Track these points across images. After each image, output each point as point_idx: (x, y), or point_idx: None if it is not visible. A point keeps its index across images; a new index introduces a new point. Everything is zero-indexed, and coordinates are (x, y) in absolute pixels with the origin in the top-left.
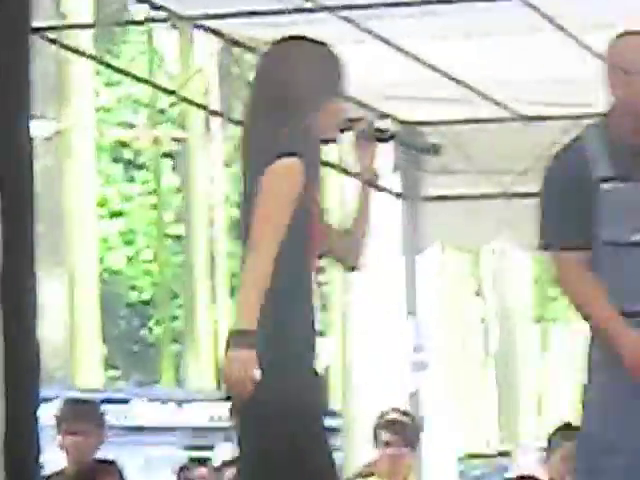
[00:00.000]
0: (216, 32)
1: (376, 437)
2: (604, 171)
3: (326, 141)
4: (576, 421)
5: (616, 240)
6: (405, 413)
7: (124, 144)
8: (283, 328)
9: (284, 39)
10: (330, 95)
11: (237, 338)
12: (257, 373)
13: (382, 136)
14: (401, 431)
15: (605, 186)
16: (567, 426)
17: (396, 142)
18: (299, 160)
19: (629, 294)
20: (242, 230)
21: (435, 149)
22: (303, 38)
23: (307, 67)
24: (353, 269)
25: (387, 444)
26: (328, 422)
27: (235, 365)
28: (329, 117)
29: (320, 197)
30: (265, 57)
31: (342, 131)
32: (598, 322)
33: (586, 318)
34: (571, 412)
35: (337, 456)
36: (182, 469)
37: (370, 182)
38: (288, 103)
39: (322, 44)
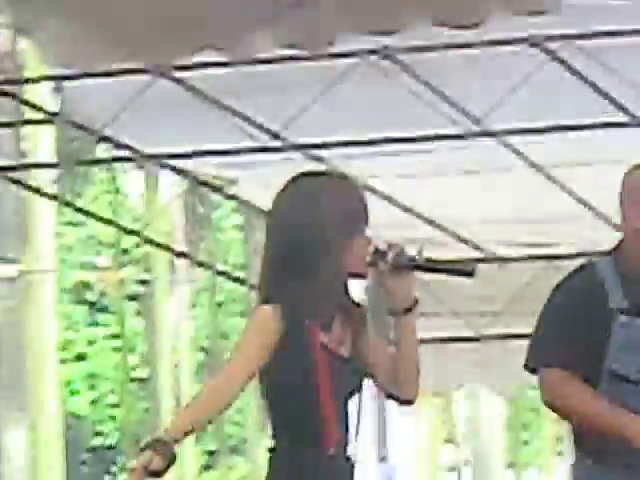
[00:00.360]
0: (181, 171)
1: None
2: (617, 302)
3: (356, 276)
4: None
5: (624, 375)
6: None
7: (87, 286)
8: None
9: (298, 176)
10: (356, 231)
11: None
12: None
13: (415, 264)
14: None
15: (620, 318)
16: None
17: (429, 268)
18: (274, 307)
19: None
20: None
21: (474, 270)
22: (319, 173)
23: (328, 205)
24: (407, 403)
25: None
26: None
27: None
28: (357, 253)
29: (345, 337)
30: (280, 197)
31: (371, 264)
32: (600, 417)
33: (587, 422)
34: None
35: None
36: None
37: (410, 309)
38: (305, 247)
39: (341, 177)
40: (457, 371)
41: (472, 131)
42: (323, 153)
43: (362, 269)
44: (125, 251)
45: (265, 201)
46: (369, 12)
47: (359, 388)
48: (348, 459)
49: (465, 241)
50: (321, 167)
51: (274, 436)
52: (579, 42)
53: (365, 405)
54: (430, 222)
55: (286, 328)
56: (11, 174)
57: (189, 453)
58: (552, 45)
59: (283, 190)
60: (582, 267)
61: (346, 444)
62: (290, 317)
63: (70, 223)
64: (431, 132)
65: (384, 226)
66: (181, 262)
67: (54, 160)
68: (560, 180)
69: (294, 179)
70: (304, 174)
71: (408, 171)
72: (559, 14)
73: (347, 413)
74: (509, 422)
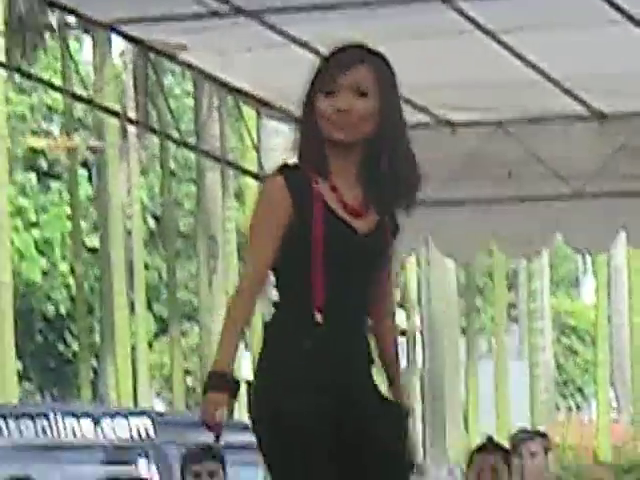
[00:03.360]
0: (132, 38)
1: None
2: None
3: (334, 142)
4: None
5: None
6: None
7: (39, 153)
8: (275, 360)
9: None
10: (316, 91)
11: (209, 381)
12: (222, 414)
13: None
14: None
15: None
16: (489, 441)
17: None
18: (281, 177)
19: None
20: None
21: None
22: None
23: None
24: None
25: None
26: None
27: (204, 406)
28: (320, 114)
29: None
30: None
31: None
32: None
33: None
34: (494, 425)
35: None
36: None
37: None
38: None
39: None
40: (409, 237)
41: None
42: (272, 18)
43: (330, 133)
44: (77, 118)
45: (215, 66)
46: None
47: (371, 266)
48: (350, 332)
49: (418, 107)
50: (268, 32)
51: (274, 306)
52: None
53: None
54: None
55: (294, 196)
56: None
57: (141, 319)
58: None
59: None
60: None
61: (350, 317)
62: (298, 183)
63: (21, 90)
64: None
65: None
66: (132, 129)
67: (2, 27)
68: (511, 45)
69: None
70: None
71: (357, 36)
72: None
73: (358, 287)
74: (463, 288)
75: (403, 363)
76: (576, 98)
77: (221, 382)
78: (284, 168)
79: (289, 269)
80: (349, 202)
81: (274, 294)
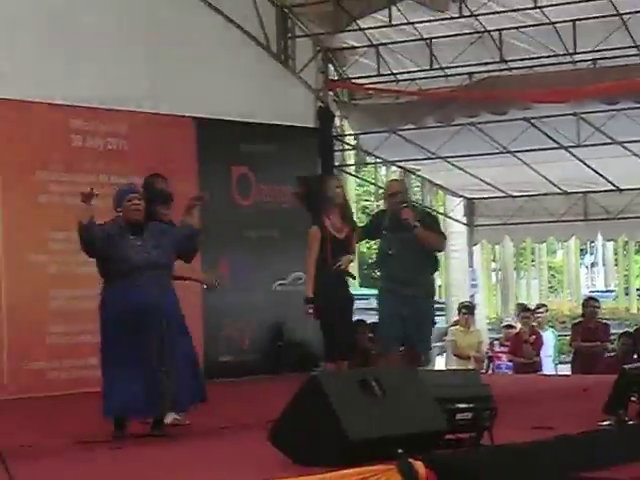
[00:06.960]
0: (404, 168)
1: (459, 310)
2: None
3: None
4: None
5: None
6: (470, 303)
7: None
8: (320, 279)
9: (303, 176)
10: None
11: (305, 300)
12: (310, 311)
13: None
14: (469, 309)
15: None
16: None
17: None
18: (317, 227)
19: None
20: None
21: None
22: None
23: (319, 185)
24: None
25: (464, 313)
26: (438, 305)
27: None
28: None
29: (342, 229)
30: (300, 179)
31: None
32: None
33: None
34: None
35: (442, 319)
36: None
37: None
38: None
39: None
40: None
41: None
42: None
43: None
44: None
45: (430, 176)
46: None
47: (345, 252)
48: (340, 272)
49: None
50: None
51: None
52: None
53: None
54: None
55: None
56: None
57: None
58: None
59: (300, 179)
60: None
61: (339, 263)
62: (320, 224)
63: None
64: None
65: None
66: None
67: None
68: None
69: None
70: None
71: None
72: None
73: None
74: None
75: None
76: None
77: (307, 300)
78: (317, 223)
79: (321, 252)
80: (337, 225)
81: None
